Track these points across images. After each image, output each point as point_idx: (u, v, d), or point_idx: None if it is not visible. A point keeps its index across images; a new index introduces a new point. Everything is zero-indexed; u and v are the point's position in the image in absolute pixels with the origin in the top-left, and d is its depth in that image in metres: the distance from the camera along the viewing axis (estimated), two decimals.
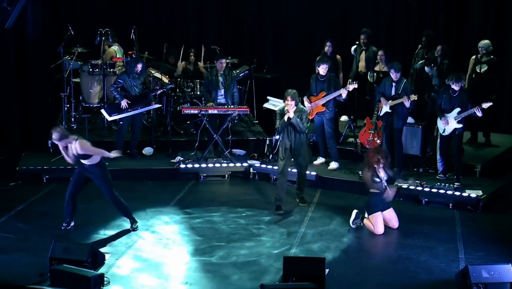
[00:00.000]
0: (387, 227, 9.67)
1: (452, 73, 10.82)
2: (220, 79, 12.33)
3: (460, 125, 10.74)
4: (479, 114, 10.60)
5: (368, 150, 9.82)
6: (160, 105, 12.95)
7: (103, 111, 12.14)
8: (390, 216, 9.66)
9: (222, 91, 12.32)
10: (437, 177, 11.17)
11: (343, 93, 11.47)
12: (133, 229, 9.55)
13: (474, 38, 13.02)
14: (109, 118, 12.06)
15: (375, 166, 9.43)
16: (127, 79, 12.03)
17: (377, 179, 9.46)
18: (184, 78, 13.60)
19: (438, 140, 11.16)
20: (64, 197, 9.52)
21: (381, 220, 9.54)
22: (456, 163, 10.99)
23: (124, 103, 11.87)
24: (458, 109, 10.70)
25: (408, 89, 11.14)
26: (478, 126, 12.72)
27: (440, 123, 10.92)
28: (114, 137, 12.40)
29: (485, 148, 12.57)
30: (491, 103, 10.67)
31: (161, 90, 12.91)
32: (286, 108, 10.14)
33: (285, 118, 10.10)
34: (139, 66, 12.06)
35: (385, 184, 9.46)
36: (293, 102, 10.09)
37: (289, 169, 10.58)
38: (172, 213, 10.33)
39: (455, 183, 10.83)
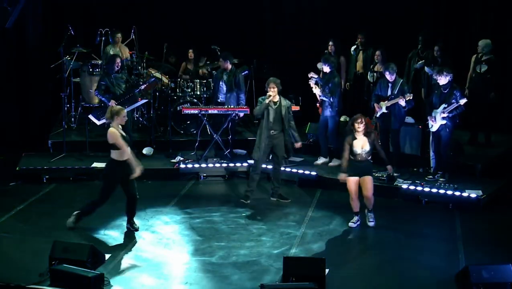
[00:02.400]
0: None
1: (435, 67, 10.94)
2: (224, 77, 12.33)
3: (444, 121, 10.69)
4: (462, 102, 10.64)
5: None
6: (147, 100, 12.89)
7: (91, 116, 11.95)
8: (365, 182, 9.61)
9: (224, 90, 12.31)
10: (426, 178, 11.12)
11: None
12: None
13: (474, 38, 13.03)
14: (98, 123, 11.80)
15: (354, 130, 9.47)
16: (109, 79, 11.92)
17: (356, 149, 9.47)
18: (184, 78, 13.60)
19: (431, 137, 11.15)
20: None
21: (355, 186, 9.58)
22: (443, 159, 10.99)
23: (112, 103, 11.77)
24: (444, 105, 10.69)
25: (405, 89, 11.14)
26: (478, 126, 12.72)
27: (429, 119, 10.94)
28: None
29: (485, 148, 12.56)
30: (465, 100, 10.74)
31: (145, 85, 12.89)
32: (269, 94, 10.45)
33: (267, 101, 10.45)
34: (118, 61, 11.96)
35: (364, 155, 9.49)
36: (275, 89, 10.45)
37: (285, 168, 10.71)
38: (172, 213, 10.33)
39: (440, 179, 10.87)
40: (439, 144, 10.96)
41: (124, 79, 12.08)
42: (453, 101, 10.65)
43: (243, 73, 13.87)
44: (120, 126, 9.26)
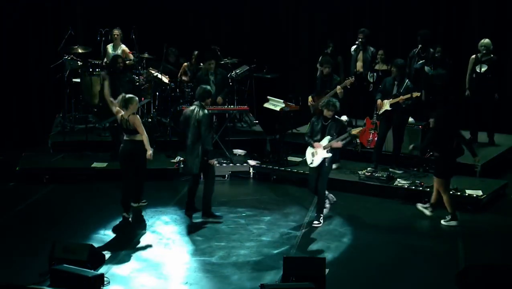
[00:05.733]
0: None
1: (326, 99, 9.87)
2: (211, 78, 12.37)
3: (329, 155, 9.67)
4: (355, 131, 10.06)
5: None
6: (149, 100, 12.92)
7: (92, 116, 12.16)
8: None
9: (213, 90, 12.33)
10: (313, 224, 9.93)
11: (338, 91, 11.43)
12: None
13: (474, 38, 13.03)
14: (102, 123, 12.09)
15: None
16: (112, 79, 11.89)
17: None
18: (185, 81, 13.60)
19: (308, 174, 10.08)
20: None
21: None
22: (320, 204, 9.90)
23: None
24: (328, 137, 9.70)
25: (411, 89, 11.15)
26: (479, 126, 12.72)
27: (308, 154, 9.88)
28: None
29: (485, 148, 12.55)
30: (361, 128, 10.29)
31: (147, 85, 12.90)
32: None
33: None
34: (120, 60, 11.97)
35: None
36: None
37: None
38: (172, 213, 10.33)
39: (314, 222, 9.81)
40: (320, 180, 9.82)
41: (127, 79, 12.09)
42: (342, 133, 9.74)
43: (242, 73, 13.90)
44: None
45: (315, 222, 9.78)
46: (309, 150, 9.85)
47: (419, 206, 10.09)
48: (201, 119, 9.74)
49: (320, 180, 9.78)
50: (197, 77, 12.62)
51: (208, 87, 10.26)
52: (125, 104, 9.71)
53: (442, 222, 9.78)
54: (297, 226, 9.81)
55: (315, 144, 9.72)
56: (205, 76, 12.41)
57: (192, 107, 9.96)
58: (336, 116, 9.82)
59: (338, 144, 9.67)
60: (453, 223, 9.74)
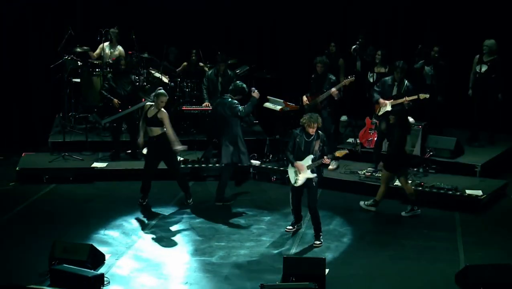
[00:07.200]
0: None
1: (307, 114, 9.25)
2: (220, 79, 12.40)
3: (313, 175, 9.14)
4: (328, 161, 9.20)
5: None
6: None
7: (95, 115, 12.24)
8: None
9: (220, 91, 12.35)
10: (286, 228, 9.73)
11: (334, 93, 11.38)
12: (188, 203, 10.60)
13: (474, 38, 13.03)
14: (102, 122, 12.18)
15: None
16: (114, 79, 11.93)
17: None
18: (184, 78, 13.60)
19: (290, 193, 9.51)
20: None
21: None
22: (315, 221, 9.24)
23: (116, 102, 11.84)
24: (311, 156, 9.15)
25: (411, 89, 11.13)
26: (480, 126, 12.72)
27: (291, 172, 9.35)
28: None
29: (485, 148, 12.56)
30: (346, 152, 9.36)
31: (148, 86, 12.91)
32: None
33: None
34: (122, 62, 12.04)
35: None
36: None
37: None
38: (172, 213, 10.33)
39: (315, 242, 9.16)
40: (300, 200, 9.44)
41: (129, 80, 12.10)
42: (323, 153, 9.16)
43: (242, 73, 13.89)
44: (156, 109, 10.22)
45: (316, 242, 9.13)
46: (291, 168, 9.32)
47: (363, 204, 10.46)
48: (231, 113, 10.45)
49: (311, 199, 9.20)
50: (207, 77, 12.65)
51: (244, 84, 10.77)
52: (156, 98, 10.24)
53: (362, 204, 10.42)
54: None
55: (296, 164, 9.16)
56: (215, 76, 12.43)
57: (220, 100, 10.70)
58: (319, 131, 9.21)
59: (326, 161, 9.14)
60: (372, 208, 10.35)
